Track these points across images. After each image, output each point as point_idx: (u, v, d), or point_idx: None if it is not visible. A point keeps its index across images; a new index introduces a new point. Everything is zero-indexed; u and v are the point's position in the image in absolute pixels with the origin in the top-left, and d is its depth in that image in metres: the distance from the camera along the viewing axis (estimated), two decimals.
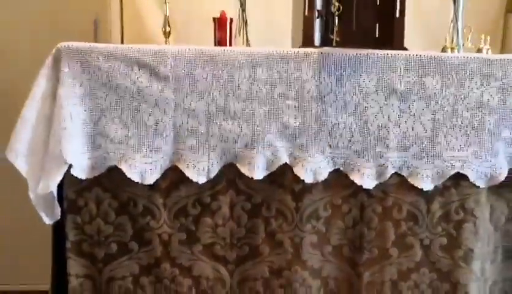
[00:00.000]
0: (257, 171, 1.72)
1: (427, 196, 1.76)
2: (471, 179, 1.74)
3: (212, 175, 1.74)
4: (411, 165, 1.74)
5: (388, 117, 1.72)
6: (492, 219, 1.80)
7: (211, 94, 1.71)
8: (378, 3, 1.84)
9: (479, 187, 1.75)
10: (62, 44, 1.70)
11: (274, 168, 1.73)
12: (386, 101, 1.72)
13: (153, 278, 1.81)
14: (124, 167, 1.72)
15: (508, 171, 1.75)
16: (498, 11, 2.36)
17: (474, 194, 1.76)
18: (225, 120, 1.72)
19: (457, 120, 1.72)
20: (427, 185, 1.74)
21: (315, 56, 1.71)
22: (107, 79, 1.70)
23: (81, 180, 1.73)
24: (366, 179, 1.73)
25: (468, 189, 1.76)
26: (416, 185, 1.74)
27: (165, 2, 2.02)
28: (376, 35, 1.85)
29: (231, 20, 2.00)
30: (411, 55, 1.70)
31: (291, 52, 1.72)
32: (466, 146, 1.73)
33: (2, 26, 2.54)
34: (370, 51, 1.70)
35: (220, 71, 1.71)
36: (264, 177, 1.74)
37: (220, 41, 1.99)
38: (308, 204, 1.77)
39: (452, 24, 1.86)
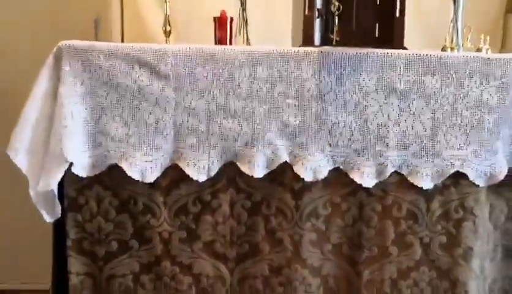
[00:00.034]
0: (257, 170, 1.72)
1: (427, 194, 1.76)
2: (471, 178, 1.75)
3: (213, 173, 1.74)
4: (411, 163, 1.74)
5: (388, 116, 1.72)
6: (491, 218, 1.81)
7: (211, 93, 1.72)
8: (378, 3, 1.84)
9: (478, 185, 1.75)
10: (63, 42, 1.70)
11: (274, 167, 1.74)
12: (385, 100, 1.72)
13: (153, 276, 1.81)
14: (124, 165, 1.72)
15: (508, 170, 1.75)
16: (498, 11, 2.36)
17: (474, 193, 1.77)
18: (225, 118, 1.72)
19: (456, 119, 1.72)
20: (426, 183, 1.74)
21: (315, 55, 1.71)
22: (108, 78, 1.70)
23: (81, 178, 1.73)
24: (366, 177, 1.74)
25: (468, 188, 1.76)
26: (415, 183, 1.74)
27: (166, 1, 2.01)
28: (376, 35, 1.85)
29: (232, 19, 2.00)
30: (411, 54, 1.70)
31: (291, 51, 1.72)
32: (466, 144, 1.73)
33: (2, 26, 2.54)
34: (370, 50, 1.70)
35: (221, 70, 1.71)
36: (264, 175, 1.74)
37: (220, 41, 1.99)
38: (308, 202, 1.77)
39: (452, 24, 1.86)
